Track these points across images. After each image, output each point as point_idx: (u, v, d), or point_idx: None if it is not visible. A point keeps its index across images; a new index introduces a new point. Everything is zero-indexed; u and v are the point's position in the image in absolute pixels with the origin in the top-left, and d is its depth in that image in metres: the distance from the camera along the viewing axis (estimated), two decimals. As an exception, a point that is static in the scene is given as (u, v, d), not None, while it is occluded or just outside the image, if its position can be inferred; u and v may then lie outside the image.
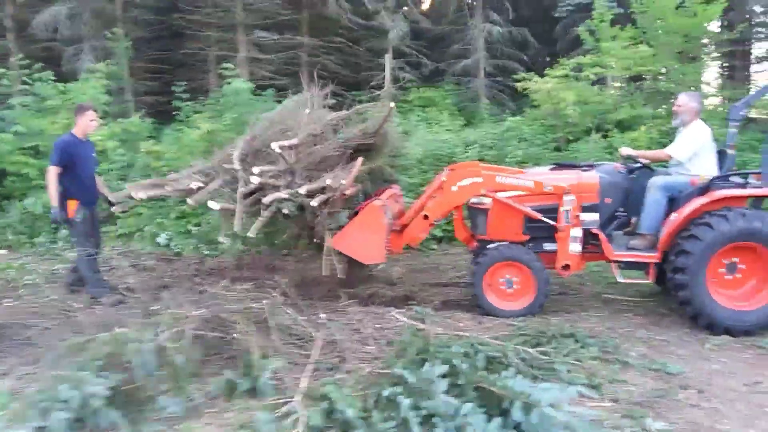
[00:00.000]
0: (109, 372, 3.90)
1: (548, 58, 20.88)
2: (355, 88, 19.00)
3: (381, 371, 4.09)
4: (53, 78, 10.91)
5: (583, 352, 4.85)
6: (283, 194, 5.28)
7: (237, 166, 5.42)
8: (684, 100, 6.06)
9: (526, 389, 3.69)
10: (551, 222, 5.85)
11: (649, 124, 11.52)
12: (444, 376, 3.76)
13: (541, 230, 5.97)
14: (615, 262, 5.89)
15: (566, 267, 5.84)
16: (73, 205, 6.28)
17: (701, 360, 4.94)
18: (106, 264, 7.71)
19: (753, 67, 24.78)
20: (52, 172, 6.14)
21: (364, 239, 5.72)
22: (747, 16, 19.92)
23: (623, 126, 11.66)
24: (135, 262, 7.77)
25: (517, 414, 3.52)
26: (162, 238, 8.66)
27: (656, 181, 5.86)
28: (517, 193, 5.96)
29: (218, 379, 4.23)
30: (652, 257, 5.77)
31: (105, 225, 9.07)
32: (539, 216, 5.89)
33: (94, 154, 6.72)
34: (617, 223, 6.11)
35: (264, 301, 4.92)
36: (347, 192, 5.61)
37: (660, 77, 14.06)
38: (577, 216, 5.79)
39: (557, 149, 11.12)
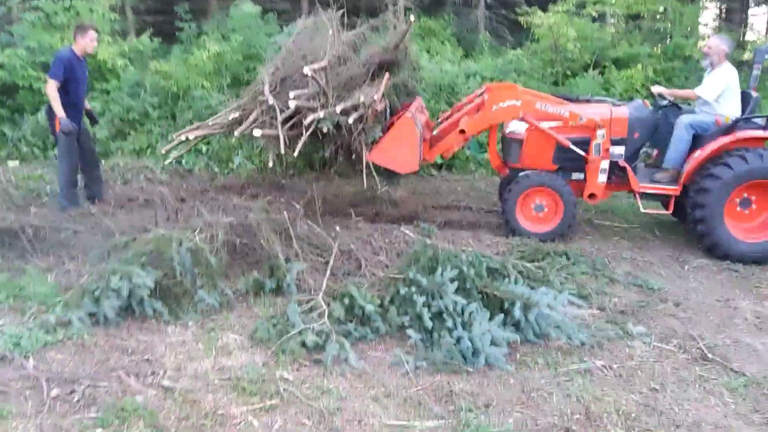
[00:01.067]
0: (151, 268, 4.33)
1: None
2: (356, 14, 18.93)
3: (395, 276, 4.56)
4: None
5: (574, 268, 5.37)
6: (320, 114, 5.50)
7: (270, 97, 5.62)
8: (714, 43, 6.34)
9: (526, 293, 4.20)
10: (582, 153, 6.23)
11: (646, 63, 11.82)
12: (452, 280, 4.23)
13: (570, 160, 6.35)
14: (639, 193, 6.31)
15: (592, 196, 6.33)
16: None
17: (680, 279, 5.47)
18: (121, 177, 8.07)
19: (751, 10, 24.80)
20: (53, 86, 6.30)
21: (399, 151, 5.97)
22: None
23: (620, 63, 11.92)
24: (150, 176, 8.09)
25: (517, 312, 4.03)
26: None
27: (683, 119, 6.20)
28: (553, 124, 6.29)
29: (247, 278, 4.69)
30: (674, 190, 6.21)
31: (117, 141, 9.39)
32: (571, 146, 6.22)
33: (86, 74, 6.82)
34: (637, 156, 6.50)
35: (285, 213, 5.31)
36: (377, 107, 5.86)
37: (658, 16, 14.25)
38: (607, 149, 6.18)
39: (555, 83, 11.40)
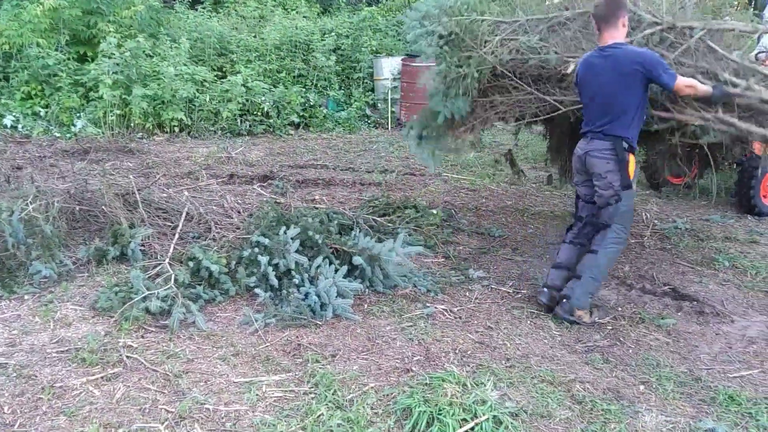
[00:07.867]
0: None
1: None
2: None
3: (242, 236, 4.55)
4: None
5: (423, 220, 5.57)
6: None
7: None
8: None
9: (370, 245, 4.33)
10: None
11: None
12: (302, 240, 4.29)
13: None
14: None
15: None
16: (632, 162, 3.91)
17: (519, 226, 5.86)
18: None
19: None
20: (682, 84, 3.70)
21: None
22: None
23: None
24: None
25: (364, 265, 4.17)
26: (8, 120, 8.33)
27: None
28: None
29: (88, 247, 4.50)
30: None
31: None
32: None
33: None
34: None
35: (131, 176, 5.12)
36: None
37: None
38: None
39: (407, 42, 11.58)
